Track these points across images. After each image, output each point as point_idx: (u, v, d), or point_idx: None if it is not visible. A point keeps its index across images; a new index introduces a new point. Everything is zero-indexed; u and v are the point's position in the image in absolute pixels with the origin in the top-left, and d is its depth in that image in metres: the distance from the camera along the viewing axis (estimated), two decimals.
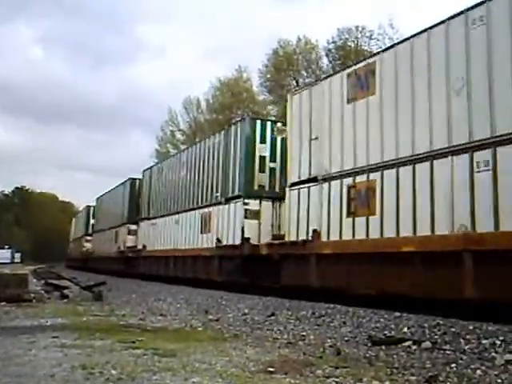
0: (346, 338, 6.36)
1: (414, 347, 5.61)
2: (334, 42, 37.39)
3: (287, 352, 5.44)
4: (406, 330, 6.63)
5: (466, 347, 5.47)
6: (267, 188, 14.54)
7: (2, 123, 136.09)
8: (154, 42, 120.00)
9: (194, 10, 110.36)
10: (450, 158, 8.10)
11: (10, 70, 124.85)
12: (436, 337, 6.09)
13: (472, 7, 8.00)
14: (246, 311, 9.29)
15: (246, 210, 14.06)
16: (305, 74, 39.91)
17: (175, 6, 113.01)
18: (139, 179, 25.77)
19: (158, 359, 4.82)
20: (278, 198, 13.87)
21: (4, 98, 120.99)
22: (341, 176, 10.43)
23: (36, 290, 13.38)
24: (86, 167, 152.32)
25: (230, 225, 14.76)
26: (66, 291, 13.81)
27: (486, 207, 7.42)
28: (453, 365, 4.70)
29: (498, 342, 5.47)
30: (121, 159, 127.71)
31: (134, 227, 24.70)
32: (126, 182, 27.61)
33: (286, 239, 11.91)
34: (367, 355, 5.29)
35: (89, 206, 39.99)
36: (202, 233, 16.71)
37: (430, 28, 8.77)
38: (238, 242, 14.12)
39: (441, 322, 6.74)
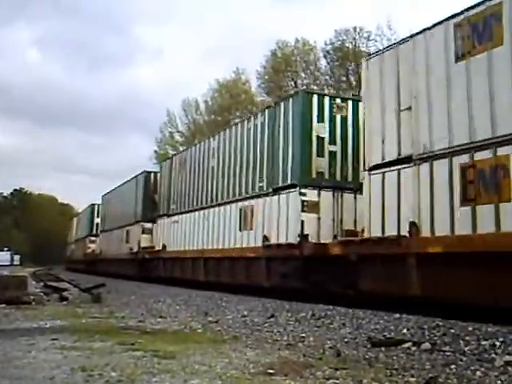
0: (346, 340, 6.36)
1: (414, 348, 5.61)
2: (331, 44, 37.46)
3: (287, 353, 5.43)
4: (405, 331, 6.64)
5: (466, 348, 5.47)
6: (326, 176, 12.25)
7: (0, 125, 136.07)
8: (152, 44, 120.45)
9: (193, 11, 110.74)
10: None
11: (6, 72, 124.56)
12: (435, 338, 6.09)
13: None
14: (246, 313, 9.29)
15: (302, 201, 11.93)
16: (303, 76, 40.06)
17: (173, 7, 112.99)
18: (155, 172, 23.41)
19: (157, 361, 4.82)
20: (340, 188, 12.11)
21: (1, 100, 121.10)
22: (449, 154, 8.40)
23: (35, 292, 13.36)
24: (85, 169, 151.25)
25: (281, 220, 12.55)
26: (65, 293, 13.80)
27: None
28: (452, 366, 4.70)
29: (498, 344, 5.48)
30: (119, 161, 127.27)
31: (148, 225, 22.43)
32: (138, 175, 24.62)
33: (366, 235, 9.88)
34: (367, 356, 5.29)
35: (93, 205, 37.43)
36: (240, 230, 14.40)
37: None
38: (291, 239, 12.00)
39: (440, 324, 6.76)
